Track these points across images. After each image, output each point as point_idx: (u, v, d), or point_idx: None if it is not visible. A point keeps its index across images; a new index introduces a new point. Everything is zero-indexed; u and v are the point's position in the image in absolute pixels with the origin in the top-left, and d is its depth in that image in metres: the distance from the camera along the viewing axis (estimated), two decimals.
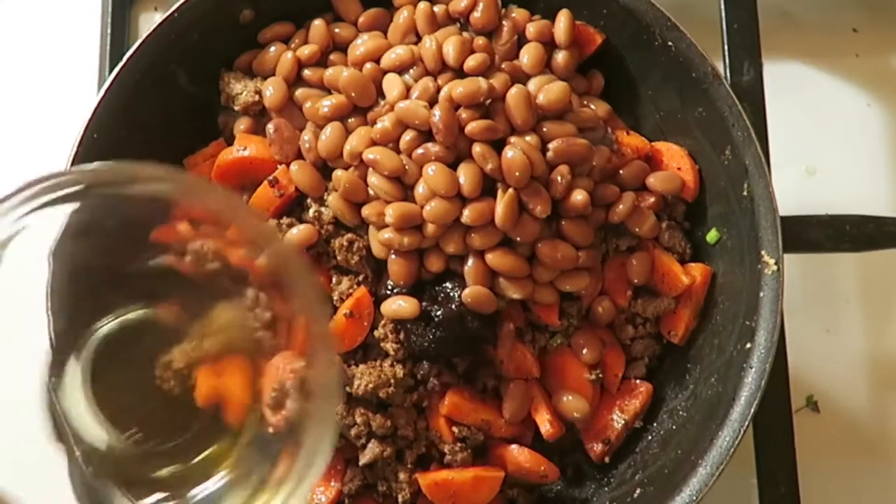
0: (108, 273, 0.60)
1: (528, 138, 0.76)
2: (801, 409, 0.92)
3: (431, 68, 0.79)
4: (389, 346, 0.77)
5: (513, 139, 0.76)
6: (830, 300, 0.96)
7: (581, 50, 0.84)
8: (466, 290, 0.75)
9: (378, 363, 0.78)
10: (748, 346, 0.75)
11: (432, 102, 0.76)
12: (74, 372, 0.62)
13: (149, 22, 0.83)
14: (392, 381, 0.76)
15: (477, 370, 0.80)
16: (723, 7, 0.91)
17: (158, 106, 0.81)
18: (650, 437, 0.82)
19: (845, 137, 1.00)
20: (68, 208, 0.54)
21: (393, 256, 0.76)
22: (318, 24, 0.83)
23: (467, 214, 0.74)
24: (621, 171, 0.81)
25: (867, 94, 1.01)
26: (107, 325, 0.62)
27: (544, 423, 0.79)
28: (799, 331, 0.91)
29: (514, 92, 0.76)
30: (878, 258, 0.90)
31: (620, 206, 0.79)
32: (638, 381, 0.82)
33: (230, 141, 0.84)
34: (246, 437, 0.59)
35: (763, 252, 0.76)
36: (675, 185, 0.81)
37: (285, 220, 0.80)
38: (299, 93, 0.82)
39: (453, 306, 0.75)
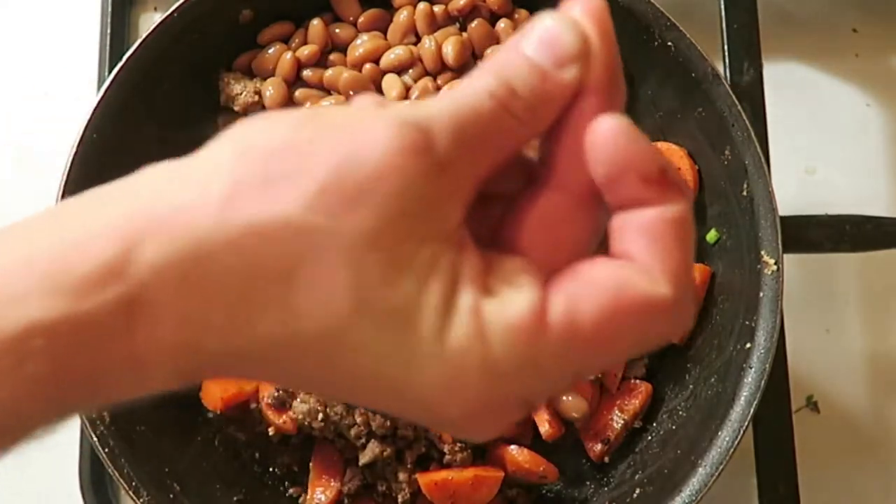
0: None
1: None
2: (801, 409, 0.92)
3: (431, 68, 0.79)
4: None
5: None
6: (830, 300, 0.96)
7: None
8: None
9: None
10: (748, 346, 0.75)
11: None
12: None
13: (149, 22, 0.83)
14: None
15: None
16: (723, 7, 0.91)
17: (157, 106, 0.82)
18: (650, 438, 0.82)
19: (845, 137, 1.00)
20: None
21: None
22: (316, 23, 0.83)
23: None
24: None
25: (867, 94, 1.01)
26: None
27: (543, 424, 0.79)
28: (799, 331, 0.91)
29: None
30: (878, 258, 0.90)
31: None
32: (637, 381, 0.82)
33: None
34: None
35: (763, 252, 0.76)
36: None
37: None
38: (299, 93, 0.82)
39: None
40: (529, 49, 0.37)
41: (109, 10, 0.99)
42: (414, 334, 0.34)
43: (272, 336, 0.34)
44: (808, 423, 0.92)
